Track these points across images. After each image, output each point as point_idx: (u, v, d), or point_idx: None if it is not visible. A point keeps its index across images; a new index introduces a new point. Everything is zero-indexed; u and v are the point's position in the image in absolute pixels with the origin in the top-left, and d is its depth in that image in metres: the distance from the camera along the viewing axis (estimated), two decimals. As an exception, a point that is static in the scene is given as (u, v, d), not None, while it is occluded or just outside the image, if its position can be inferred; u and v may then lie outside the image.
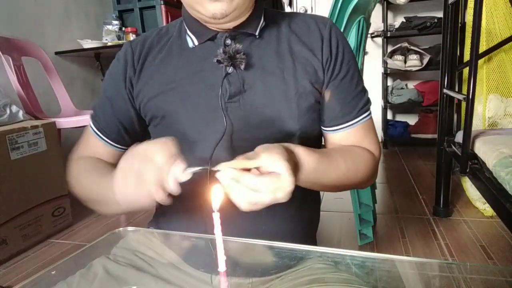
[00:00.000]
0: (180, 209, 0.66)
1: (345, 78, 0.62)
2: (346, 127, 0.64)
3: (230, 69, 0.59)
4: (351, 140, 0.65)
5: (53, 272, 0.48)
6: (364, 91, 0.66)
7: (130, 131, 0.68)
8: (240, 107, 0.60)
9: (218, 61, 0.58)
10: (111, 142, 0.68)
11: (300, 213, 0.66)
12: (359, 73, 0.65)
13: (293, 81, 0.60)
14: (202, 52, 0.62)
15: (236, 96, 0.59)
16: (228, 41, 0.60)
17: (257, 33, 0.61)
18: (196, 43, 0.62)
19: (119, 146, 0.69)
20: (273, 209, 0.62)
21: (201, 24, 0.61)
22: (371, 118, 0.66)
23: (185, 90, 0.61)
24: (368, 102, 0.66)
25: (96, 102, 0.69)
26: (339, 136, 0.64)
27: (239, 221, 0.57)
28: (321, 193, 0.72)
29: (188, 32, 0.63)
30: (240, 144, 0.60)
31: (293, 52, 0.61)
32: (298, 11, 3.21)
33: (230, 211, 0.59)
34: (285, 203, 0.63)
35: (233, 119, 0.59)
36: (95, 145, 0.69)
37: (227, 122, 0.59)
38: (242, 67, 0.58)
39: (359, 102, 0.64)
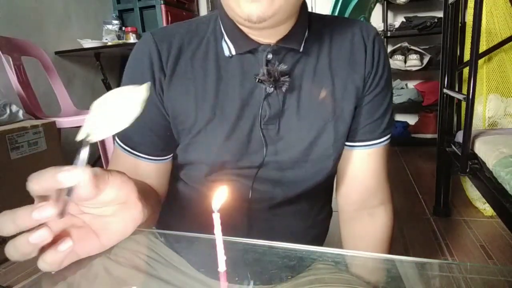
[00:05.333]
0: (181, 209, 0.66)
1: (380, 94, 0.59)
2: (368, 145, 0.61)
3: (270, 89, 0.54)
4: (370, 166, 0.62)
5: (53, 272, 0.48)
6: (392, 110, 0.63)
7: (165, 139, 0.59)
8: (276, 129, 0.56)
9: (260, 81, 0.53)
10: (150, 157, 0.59)
11: (313, 229, 0.66)
12: (392, 92, 0.62)
13: (331, 103, 0.56)
14: (240, 65, 0.55)
15: (274, 119, 0.55)
16: (270, 56, 0.54)
17: (301, 49, 0.55)
18: (234, 52, 0.55)
19: (158, 158, 0.60)
20: (285, 224, 0.63)
21: (241, 31, 0.54)
22: (388, 143, 0.63)
23: (221, 107, 0.55)
24: (393, 122, 0.62)
25: None
26: (359, 154, 0.61)
27: (248, 235, 0.59)
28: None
29: (226, 38, 0.55)
30: (271, 166, 0.58)
31: (332, 70, 0.57)
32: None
33: (240, 226, 0.60)
34: (299, 220, 0.64)
35: (269, 141, 0.56)
36: (128, 164, 0.59)
37: (267, 146, 0.56)
38: (284, 89, 0.53)
39: (385, 121, 0.60)
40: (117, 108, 0.35)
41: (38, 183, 0.31)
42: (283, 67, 0.53)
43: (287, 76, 0.53)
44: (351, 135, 0.60)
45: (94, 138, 0.34)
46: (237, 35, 0.54)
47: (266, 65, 0.53)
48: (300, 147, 0.56)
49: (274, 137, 0.56)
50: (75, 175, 0.31)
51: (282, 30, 0.53)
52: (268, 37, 0.53)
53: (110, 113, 0.34)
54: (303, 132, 0.56)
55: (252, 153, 0.56)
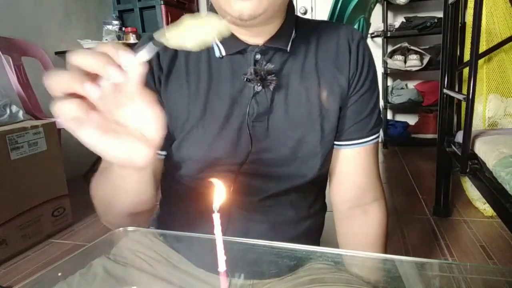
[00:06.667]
0: (177, 206, 0.66)
1: (365, 94, 0.60)
2: (357, 144, 0.62)
3: (258, 88, 0.57)
4: (361, 164, 0.63)
5: (53, 272, 0.48)
6: (379, 110, 0.64)
7: (165, 135, 0.62)
8: (265, 127, 0.58)
9: (248, 80, 0.56)
10: None
11: (306, 220, 0.66)
12: (378, 92, 0.64)
13: (317, 102, 0.58)
14: (230, 65, 0.58)
15: (263, 116, 0.57)
16: (258, 56, 0.57)
17: (288, 49, 0.57)
18: (224, 53, 0.57)
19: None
20: (279, 215, 0.63)
21: (231, 34, 0.56)
22: (378, 141, 0.65)
23: (211, 105, 0.58)
24: (381, 122, 0.64)
25: None
26: (349, 153, 0.63)
27: (243, 227, 0.59)
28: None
29: (216, 40, 0.58)
30: (261, 163, 0.59)
31: (318, 70, 0.59)
32: (298, 11, 3.21)
33: (238, 220, 0.60)
34: (292, 211, 0.65)
35: (256, 139, 0.58)
36: None
37: (253, 142, 0.57)
38: (271, 87, 0.56)
39: (372, 121, 0.62)
40: (201, 29, 0.36)
41: (87, 58, 0.33)
42: (270, 66, 0.55)
43: (274, 75, 0.55)
44: (340, 135, 0.62)
45: (170, 43, 0.35)
46: (228, 37, 0.56)
47: (254, 64, 0.56)
48: (288, 144, 0.58)
49: (263, 134, 0.58)
50: (136, 60, 0.33)
51: (270, 30, 0.56)
52: (256, 37, 0.56)
53: (194, 30, 0.36)
54: (290, 130, 0.58)
55: (241, 150, 0.58)
